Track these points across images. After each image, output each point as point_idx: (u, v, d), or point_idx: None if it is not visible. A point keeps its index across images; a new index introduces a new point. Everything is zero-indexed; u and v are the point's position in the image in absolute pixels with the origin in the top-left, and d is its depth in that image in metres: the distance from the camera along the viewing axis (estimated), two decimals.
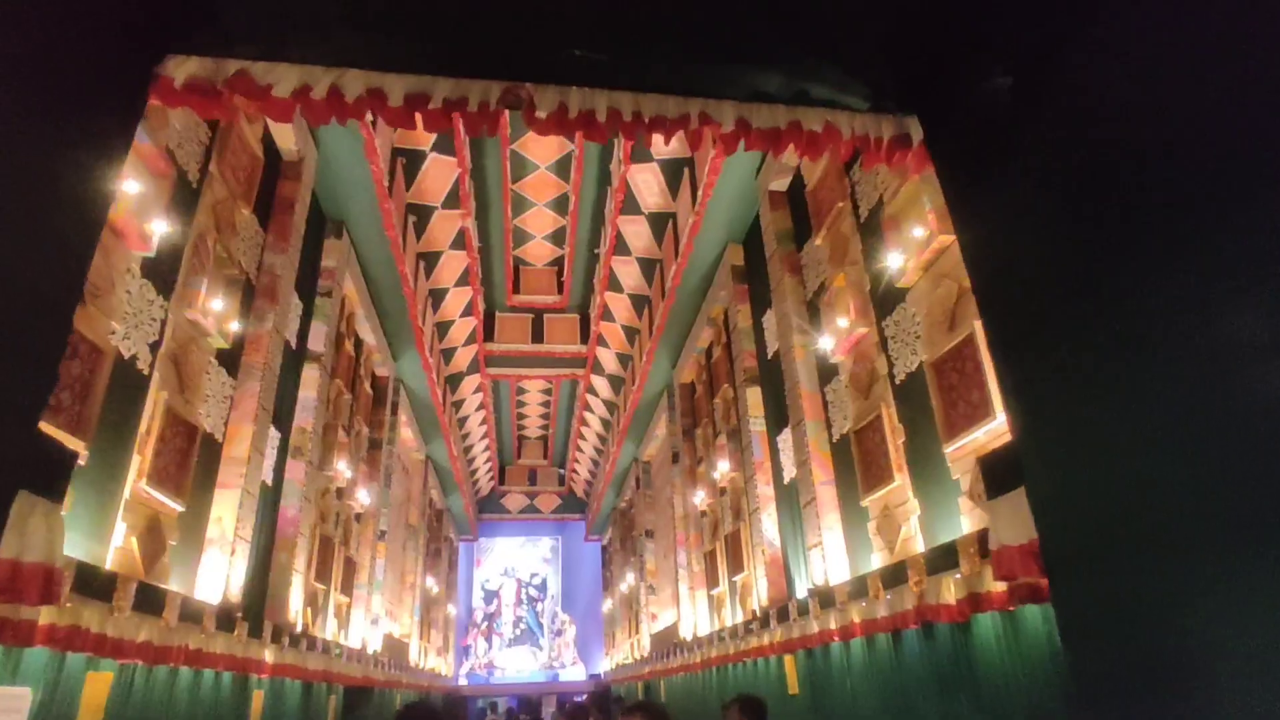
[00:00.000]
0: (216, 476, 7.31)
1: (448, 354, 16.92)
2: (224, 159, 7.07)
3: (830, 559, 7.96)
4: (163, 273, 6.15)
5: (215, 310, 6.71)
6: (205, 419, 7.00)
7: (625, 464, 21.28)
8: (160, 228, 5.69)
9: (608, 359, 18.02)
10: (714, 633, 12.16)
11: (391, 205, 10.53)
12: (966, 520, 5.73)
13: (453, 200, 12.73)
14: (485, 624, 33.16)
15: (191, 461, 6.50)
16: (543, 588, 35.03)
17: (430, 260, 13.75)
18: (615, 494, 24.36)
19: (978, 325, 5.55)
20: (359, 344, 12.83)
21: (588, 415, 21.46)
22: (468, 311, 16.03)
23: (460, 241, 13.87)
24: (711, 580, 12.87)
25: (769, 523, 10.00)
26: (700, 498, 13.15)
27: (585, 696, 20.11)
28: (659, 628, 18.19)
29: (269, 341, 8.05)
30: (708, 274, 12.48)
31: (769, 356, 10.38)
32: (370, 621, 13.45)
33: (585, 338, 18.25)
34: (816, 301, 8.67)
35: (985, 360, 5.45)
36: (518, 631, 33.64)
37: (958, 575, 5.48)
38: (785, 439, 9.65)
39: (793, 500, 9.38)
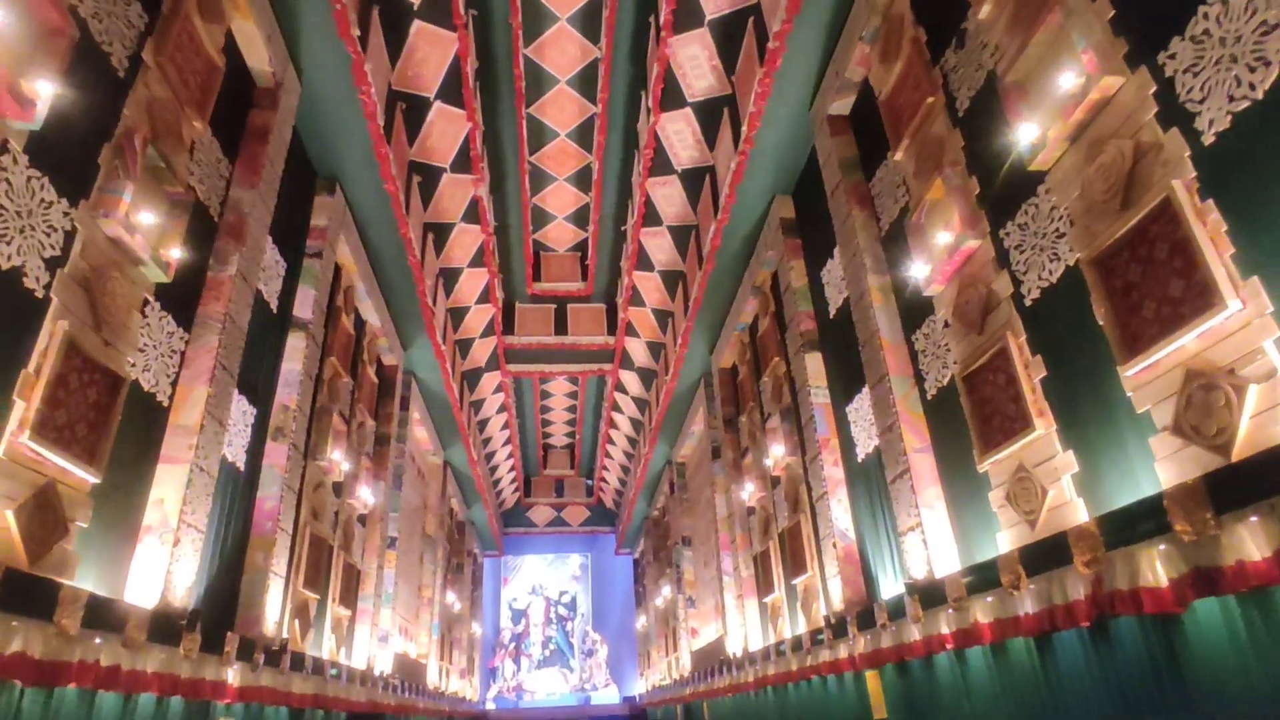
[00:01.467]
0: (158, 448, 5.76)
1: (464, 346, 15.40)
2: (165, 52, 5.60)
3: (934, 545, 6.19)
4: (66, 165, 4.64)
5: (145, 228, 5.18)
6: (139, 371, 5.46)
7: (658, 467, 19.55)
8: (47, 90, 4.18)
9: (638, 350, 16.39)
10: (769, 647, 10.35)
11: (390, 153, 9.05)
12: (1168, 467, 3.98)
13: (463, 163, 11.24)
14: (513, 644, 31.36)
15: (112, 421, 4.94)
16: (572, 606, 33.18)
17: (440, 234, 12.27)
18: (647, 502, 22.59)
19: (1177, 185, 3.84)
20: (360, 324, 11.33)
21: (616, 417, 19.79)
22: (484, 298, 14.51)
23: (474, 213, 12.37)
24: (764, 586, 11.08)
25: (839, 510, 8.24)
26: (748, 492, 11.42)
27: None
28: (701, 644, 16.34)
29: (233, 290, 6.53)
30: (751, 234, 10.83)
31: (831, 315, 8.68)
32: (378, 639, 11.81)
33: (613, 328, 16.65)
34: (900, 229, 6.98)
35: (1195, 228, 3.73)
36: (547, 652, 31.78)
37: (1163, 546, 3.74)
38: (859, 407, 7.92)
39: (872, 479, 7.63)
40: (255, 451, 7.51)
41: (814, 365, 8.96)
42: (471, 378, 16.59)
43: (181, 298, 6.11)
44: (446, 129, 10.64)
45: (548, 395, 21.21)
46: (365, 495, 10.62)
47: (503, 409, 18.94)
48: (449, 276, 13.34)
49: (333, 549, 9.91)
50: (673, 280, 13.48)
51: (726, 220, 10.19)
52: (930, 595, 5.96)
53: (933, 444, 6.54)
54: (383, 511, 11.79)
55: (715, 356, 13.76)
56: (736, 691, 12.02)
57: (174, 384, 6.00)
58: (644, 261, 13.66)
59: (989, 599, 5.30)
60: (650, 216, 12.53)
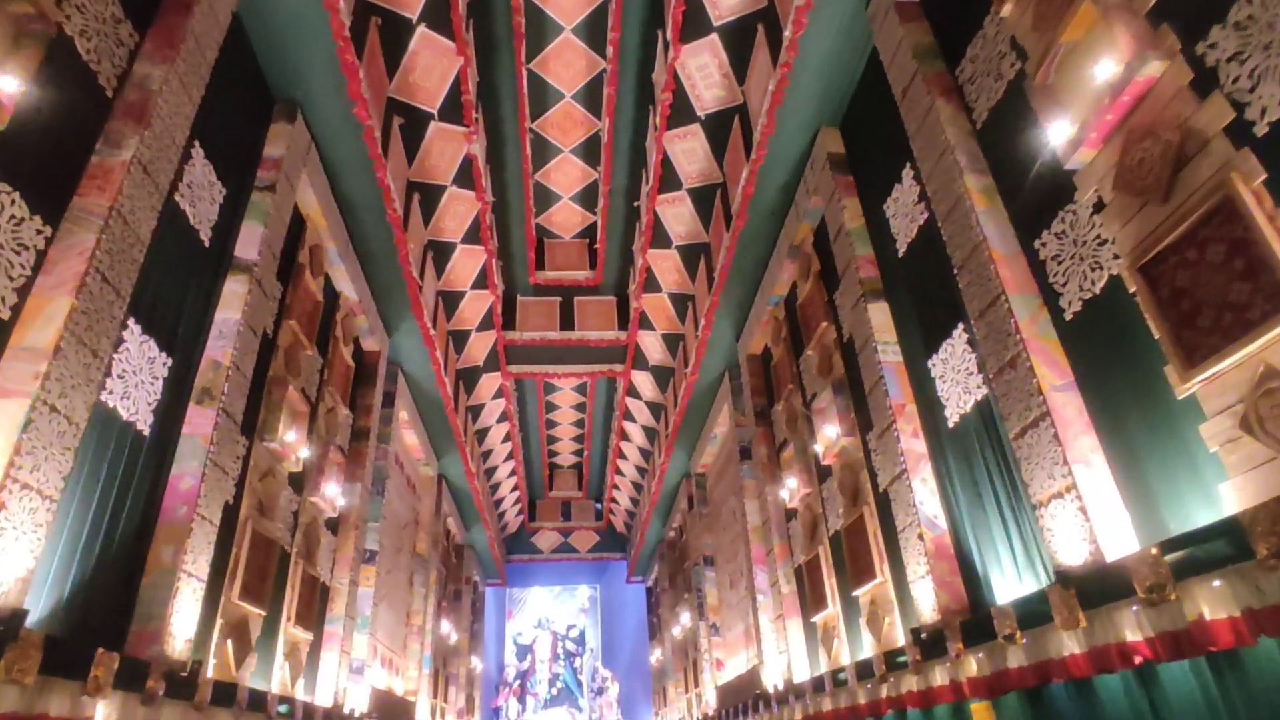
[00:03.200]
0: None
1: (459, 340, 13.62)
2: None
3: (1098, 514, 4.29)
4: None
5: None
6: None
7: (674, 481, 17.57)
8: None
9: (652, 346, 14.58)
10: (823, 676, 8.34)
11: (360, 69, 7.39)
12: None
13: (453, 110, 9.59)
14: (518, 682, 28.97)
15: None
16: (581, 641, 30.86)
17: (428, 197, 10.58)
18: (662, 522, 20.54)
19: None
20: (333, 294, 9.57)
21: (628, 426, 17.89)
22: (481, 281, 12.77)
23: (467, 176, 10.69)
24: (812, 603, 9.09)
25: (924, 493, 6.34)
26: (789, 491, 9.50)
27: None
28: (727, 677, 14.20)
29: (127, 184, 4.78)
30: (789, 182, 9.10)
31: (900, 253, 6.88)
32: (350, 670, 9.81)
33: (624, 323, 14.87)
34: (1006, 115, 5.22)
35: None
36: (554, 691, 29.39)
37: None
38: (948, 356, 6.07)
39: (973, 444, 5.75)
40: (169, 414, 5.69)
41: (879, 317, 7.13)
42: (468, 378, 14.78)
43: (44, 177, 4.37)
44: (434, 63, 9.00)
45: (553, 407, 19.34)
46: (333, 494, 8.74)
47: (504, 417, 17.08)
48: (440, 252, 11.61)
49: (289, 556, 8.01)
50: (693, 256, 11.73)
51: (762, 160, 8.47)
52: (1098, 587, 4.06)
53: (1078, 379, 4.69)
54: (359, 518, 9.89)
55: (742, 343, 11.93)
56: None
57: (23, 292, 4.22)
58: (660, 237, 11.93)
59: (1217, 583, 3.41)
60: (668, 180, 10.84)
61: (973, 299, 5.40)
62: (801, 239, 9.30)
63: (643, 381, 15.79)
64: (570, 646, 30.64)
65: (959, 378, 5.94)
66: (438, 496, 15.87)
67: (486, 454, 18.20)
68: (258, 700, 6.61)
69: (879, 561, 7.27)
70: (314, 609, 8.49)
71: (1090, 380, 4.60)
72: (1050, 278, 4.90)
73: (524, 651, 30.17)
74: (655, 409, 16.29)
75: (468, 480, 16.45)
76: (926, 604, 6.08)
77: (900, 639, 6.89)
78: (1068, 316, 4.75)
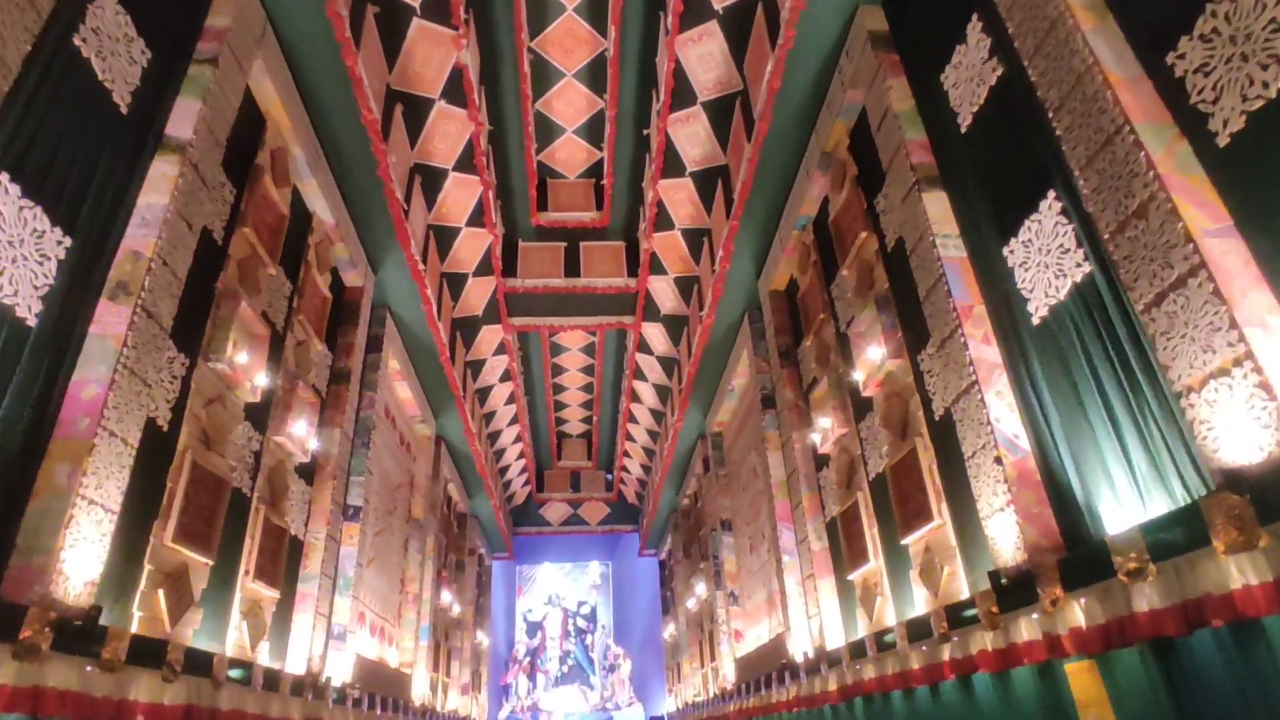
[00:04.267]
0: None
1: (454, 285, 12.47)
2: None
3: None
4: None
5: None
6: None
7: (688, 443, 16.41)
8: None
9: (664, 294, 13.38)
10: (861, 640, 7.20)
11: None
12: None
13: (439, 7, 8.41)
14: (528, 659, 28.10)
15: None
16: (592, 617, 29.94)
17: (415, 110, 9.39)
18: (675, 489, 19.41)
19: None
20: (304, 212, 8.42)
21: (639, 386, 16.72)
22: (478, 218, 11.60)
23: (457, 90, 9.50)
24: (850, 558, 7.92)
25: (1000, 408, 5.13)
26: (821, 433, 8.31)
27: None
28: (748, 649, 13.11)
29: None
30: (820, 76, 7.85)
31: (963, 128, 5.64)
32: (330, 636, 8.77)
33: (634, 269, 13.68)
34: None
35: None
36: (565, 668, 28.51)
37: None
38: (1036, 236, 4.83)
39: (1067, 340, 4.54)
40: (69, 305, 4.57)
41: (937, 208, 5.91)
42: (467, 330, 13.64)
43: None
44: None
45: (560, 370, 18.18)
46: (302, 434, 7.63)
47: (507, 376, 15.95)
48: (429, 180, 10.44)
49: (247, 500, 6.92)
50: (709, 182, 10.50)
51: (791, 43, 7.20)
52: None
53: (1239, 222, 3.47)
54: (337, 468, 8.80)
55: (764, 279, 10.71)
56: (807, 705, 8.81)
57: None
58: (672, 164, 10.70)
59: None
60: (681, 94, 9.62)
61: (1077, 144, 4.17)
62: (835, 143, 8.06)
63: (654, 335, 14.61)
64: (581, 623, 29.73)
65: (1048, 260, 4.72)
66: (436, 458, 14.80)
67: (489, 416, 17.10)
68: (200, 662, 5.53)
69: (935, 501, 6.08)
70: (281, 564, 7.41)
71: (1257, 222, 3.39)
72: (1193, 97, 3.66)
73: (534, 628, 29.29)
74: (668, 364, 15.11)
75: (468, 442, 15.36)
76: (1006, 543, 4.90)
77: (964, 590, 5.72)
78: (1221, 141, 3.52)
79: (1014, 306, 5.09)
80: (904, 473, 6.57)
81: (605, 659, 28.46)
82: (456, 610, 16.94)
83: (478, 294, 13.15)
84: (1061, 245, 4.64)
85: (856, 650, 7.33)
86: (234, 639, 6.57)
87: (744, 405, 13.26)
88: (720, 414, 14.27)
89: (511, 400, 17.12)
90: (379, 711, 10.22)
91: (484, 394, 16.08)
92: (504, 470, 20.36)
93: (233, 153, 6.49)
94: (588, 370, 18.33)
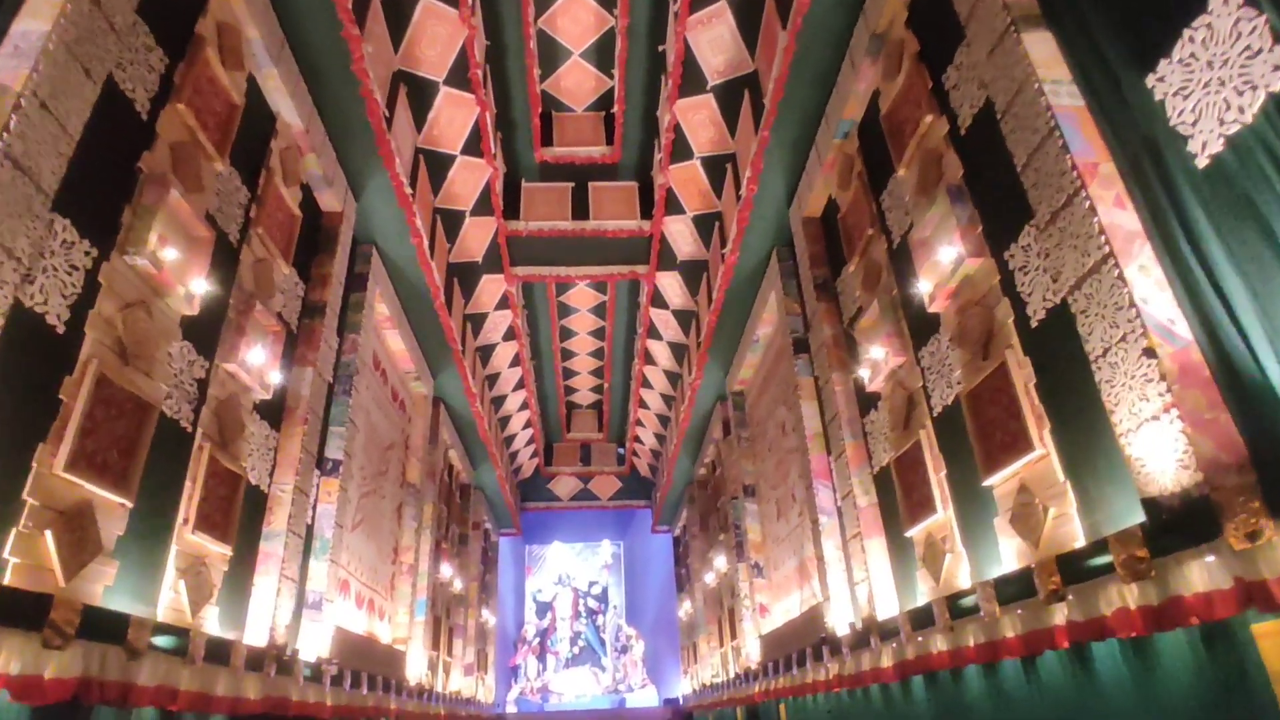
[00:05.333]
0: None
1: (450, 222, 11.20)
2: None
3: None
4: None
5: None
6: None
7: (706, 405, 15.14)
8: None
9: (681, 236, 12.07)
10: (926, 607, 5.94)
11: None
12: None
13: None
14: (537, 640, 27.05)
15: None
16: (603, 598, 28.86)
17: (396, 5, 8.11)
18: (692, 459, 18.16)
19: None
20: (265, 109, 7.15)
21: (653, 347, 15.45)
22: (474, 146, 10.31)
23: None
24: (908, 511, 6.61)
25: (1146, 287, 3.82)
26: (869, 368, 7.00)
27: None
28: (774, 624, 11.88)
29: None
30: None
31: None
32: (304, 604, 7.61)
33: (647, 210, 12.38)
34: None
35: None
36: (575, 649, 27.46)
37: None
38: (1203, 48, 3.50)
39: (1259, 181, 3.22)
40: None
41: (1041, 50, 4.56)
42: (465, 278, 12.39)
43: None
44: None
45: (569, 334, 16.92)
46: (258, 363, 6.39)
47: (511, 334, 14.71)
48: (416, 91, 9.15)
49: (188, 436, 5.70)
50: (734, 96, 9.17)
51: None
52: None
53: None
54: (310, 412, 7.58)
55: (797, 206, 9.37)
56: (851, 685, 7.57)
57: None
58: (692, 78, 9.38)
59: None
60: None
61: None
62: (889, 20, 6.70)
63: (670, 285, 13.31)
64: (592, 604, 28.66)
65: (1224, 74, 3.39)
66: (434, 421, 13.60)
67: (492, 379, 15.88)
68: (107, 625, 4.33)
69: (1034, 428, 4.77)
70: (235, 516, 6.20)
71: None
72: None
73: (544, 609, 28.24)
74: (684, 319, 13.82)
75: (469, 404, 14.15)
76: (1162, 463, 3.60)
77: (1078, 536, 4.43)
78: None
79: (1164, 151, 3.76)
80: (987, 398, 5.26)
81: (617, 640, 27.40)
82: (459, 586, 15.79)
83: (476, 236, 11.89)
84: (1247, 48, 3.31)
85: (920, 619, 6.06)
86: (168, 601, 5.37)
87: (769, 357, 11.96)
88: (742, 371, 12.97)
89: (516, 362, 15.88)
90: (365, 690, 9.06)
91: (486, 353, 14.85)
92: (510, 440, 19.17)
93: (157, 6, 5.22)
94: (598, 333, 17.07)
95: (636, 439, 20.32)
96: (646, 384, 17.08)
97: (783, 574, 11.42)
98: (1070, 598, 4.21)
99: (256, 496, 6.84)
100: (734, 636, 14.14)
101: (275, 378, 6.79)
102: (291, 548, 7.08)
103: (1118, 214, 4.02)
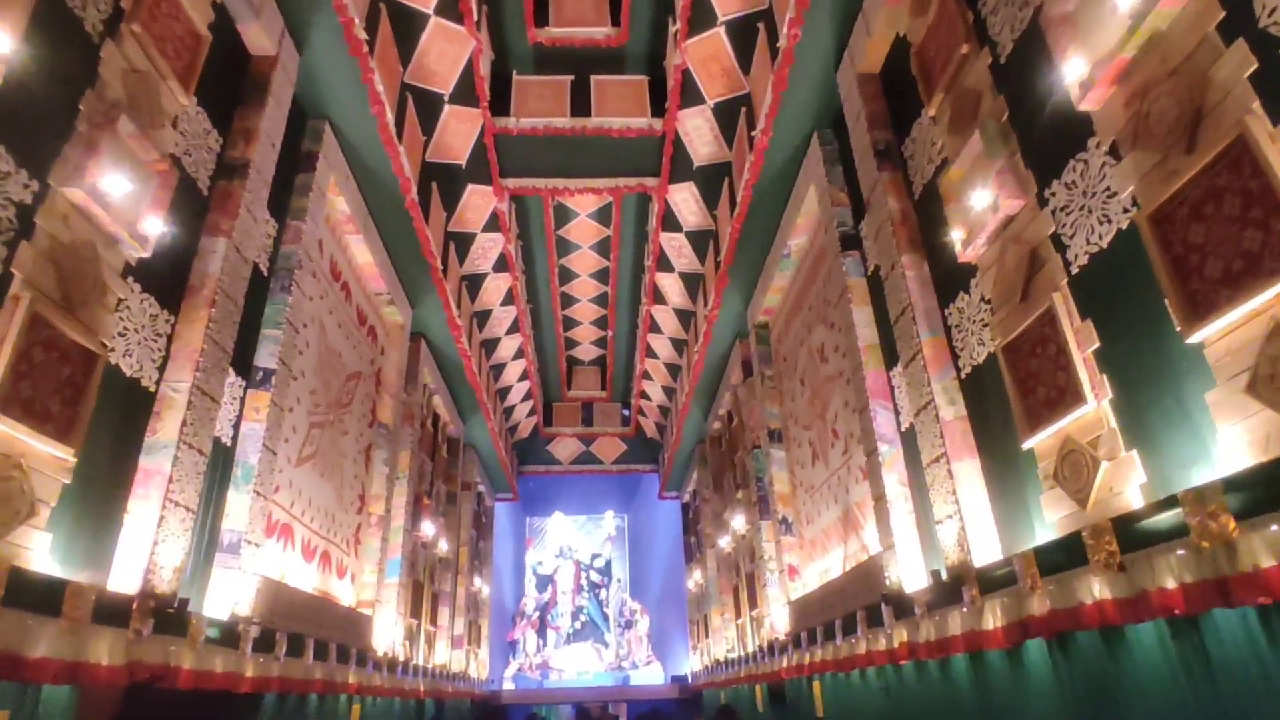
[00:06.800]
0: None
1: (425, 106, 9.25)
2: None
3: None
4: None
5: None
6: None
7: (723, 345, 13.22)
8: None
9: (699, 134, 10.12)
10: (1061, 543, 4.07)
11: None
12: None
13: None
14: (537, 614, 25.35)
15: None
16: (607, 571, 27.16)
17: None
18: (704, 412, 16.28)
19: None
20: None
21: (663, 282, 13.52)
22: (451, 7, 8.37)
23: None
24: (1027, 414, 4.68)
25: None
26: (965, 229, 5.09)
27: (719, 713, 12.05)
28: (806, 588, 10.04)
29: None
30: None
31: None
32: (215, 546, 5.77)
33: (659, 106, 10.42)
34: None
35: None
36: (577, 624, 25.78)
37: None
38: None
39: None
40: None
41: None
42: (446, 184, 10.45)
43: None
44: None
45: (569, 275, 15.00)
46: (118, 192, 4.50)
47: (503, 265, 12.79)
48: None
49: None
50: None
51: None
52: None
53: None
54: (220, 293, 5.69)
55: (848, 63, 7.38)
56: (930, 654, 5.70)
57: None
58: None
59: None
60: None
61: None
62: None
63: (684, 202, 11.37)
64: (595, 577, 26.96)
65: None
66: (413, 357, 11.76)
67: (483, 318, 13.99)
68: None
69: None
70: (84, 408, 4.34)
71: None
72: None
73: (545, 582, 26.53)
74: (700, 242, 11.89)
75: (454, 340, 12.27)
76: None
77: None
78: None
79: None
80: (1198, 206, 3.35)
81: (621, 615, 25.69)
82: (444, 548, 13.99)
83: (458, 132, 9.94)
84: None
85: (1054, 558, 4.18)
86: None
87: (803, 272, 10.02)
88: (767, 297, 11.05)
89: (510, 300, 13.97)
90: (311, 659, 7.24)
91: (475, 285, 12.95)
92: (504, 394, 17.31)
93: None
94: (600, 276, 15.15)
95: (643, 394, 18.44)
96: (655, 328, 15.17)
97: (819, 528, 9.55)
98: None
99: (134, 393, 4.98)
100: (754, 605, 12.32)
101: (153, 228, 4.90)
102: (186, 466, 5.22)
103: None
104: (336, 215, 8.82)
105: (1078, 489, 4.22)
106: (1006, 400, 4.94)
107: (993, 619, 4.78)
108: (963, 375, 5.65)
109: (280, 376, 6.74)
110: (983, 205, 4.97)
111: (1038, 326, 4.58)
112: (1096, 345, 4.14)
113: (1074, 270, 4.35)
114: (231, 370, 6.14)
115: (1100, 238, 4.11)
